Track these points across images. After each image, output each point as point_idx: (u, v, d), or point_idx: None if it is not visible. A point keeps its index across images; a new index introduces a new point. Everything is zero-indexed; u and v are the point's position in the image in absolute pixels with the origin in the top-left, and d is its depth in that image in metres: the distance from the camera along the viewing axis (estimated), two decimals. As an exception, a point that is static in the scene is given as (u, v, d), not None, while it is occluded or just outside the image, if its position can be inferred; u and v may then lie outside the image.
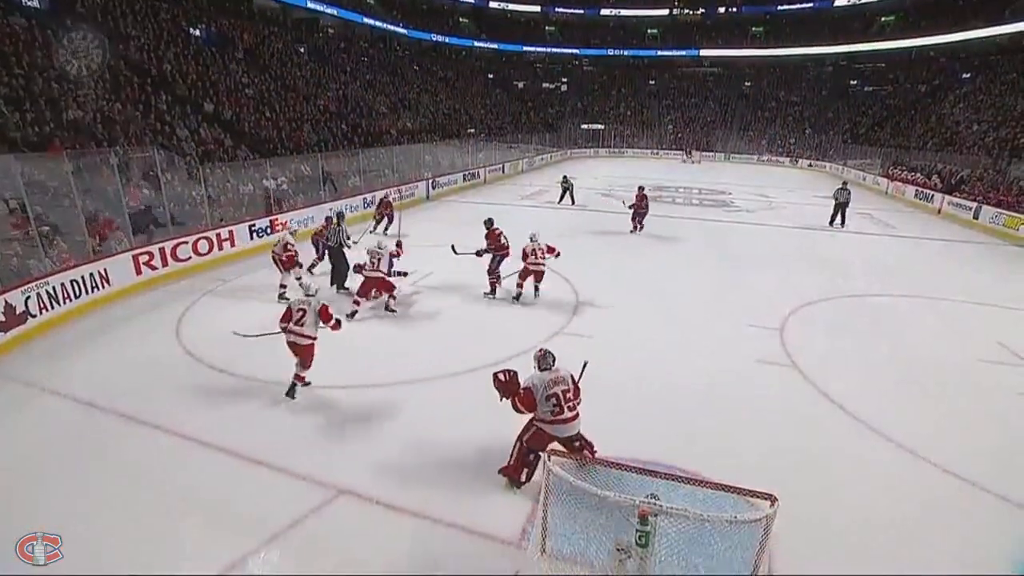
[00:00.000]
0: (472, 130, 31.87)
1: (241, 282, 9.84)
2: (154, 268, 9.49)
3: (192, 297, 8.90)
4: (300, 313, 5.77)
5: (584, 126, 44.69)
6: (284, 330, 5.83)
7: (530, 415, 4.27)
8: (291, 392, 5.79)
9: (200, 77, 17.86)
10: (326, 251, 9.94)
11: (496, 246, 8.95)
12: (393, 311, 8.35)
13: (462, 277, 9.84)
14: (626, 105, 47.74)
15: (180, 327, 7.67)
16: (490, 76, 46.98)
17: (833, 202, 16.15)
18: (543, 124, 42.96)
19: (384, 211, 14.16)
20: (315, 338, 5.84)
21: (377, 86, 29.30)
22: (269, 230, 12.11)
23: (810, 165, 37.27)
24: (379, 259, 8.12)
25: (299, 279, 8.91)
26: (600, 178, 27.83)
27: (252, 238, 11.71)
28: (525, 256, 8.52)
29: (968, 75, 34.45)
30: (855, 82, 44.13)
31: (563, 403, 4.15)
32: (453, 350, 7.04)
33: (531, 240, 8.62)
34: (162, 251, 9.67)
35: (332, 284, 9.49)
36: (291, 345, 5.80)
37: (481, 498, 4.33)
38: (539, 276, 8.65)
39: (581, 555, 3.41)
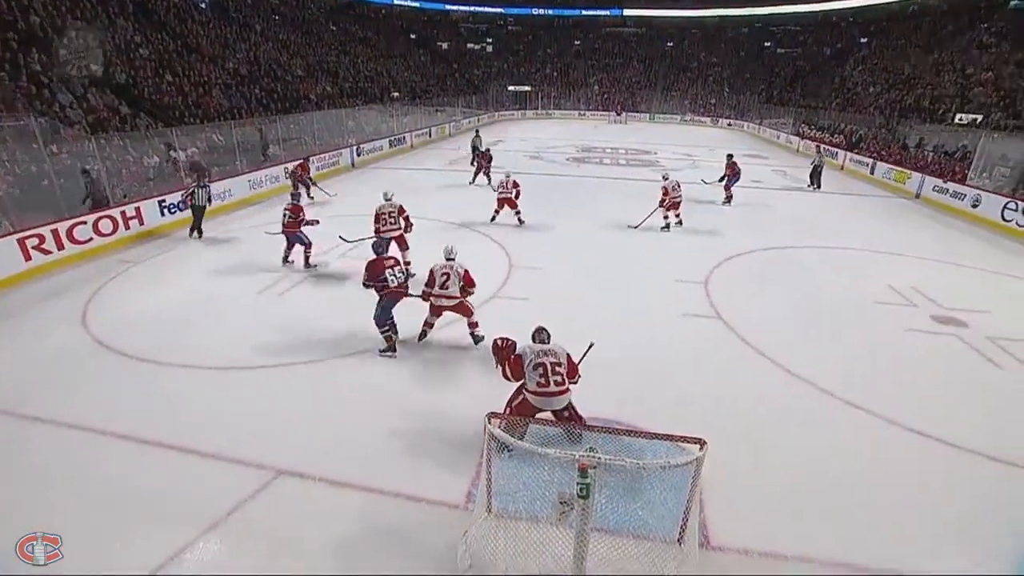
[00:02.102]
0: (396, 94, 30.66)
1: (155, 263, 9.11)
2: (47, 252, 8.56)
3: (98, 282, 8.15)
4: (444, 277, 6.02)
5: (511, 88, 44.07)
6: (427, 295, 6.12)
7: (519, 383, 4.34)
8: (424, 334, 6.35)
9: (81, 34, 15.85)
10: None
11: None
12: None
13: (396, 249, 9.60)
14: (552, 66, 47.41)
15: (87, 316, 7.03)
16: (412, 36, 45.03)
17: (811, 167, 16.69)
18: (469, 86, 41.95)
19: (300, 178, 13.47)
20: (460, 297, 6.09)
21: (291, 47, 27.32)
22: (183, 205, 11.18)
23: (729, 124, 38.84)
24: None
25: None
26: (529, 140, 27.75)
27: (163, 214, 10.80)
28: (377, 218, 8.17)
29: (865, 40, 36.78)
30: (769, 44, 45.98)
31: (549, 375, 4.20)
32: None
33: (385, 200, 8.39)
34: (55, 233, 8.71)
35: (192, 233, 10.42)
36: (435, 308, 6.16)
37: (424, 467, 4.36)
38: (400, 242, 8.30)
39: (526, 511, 3.54)
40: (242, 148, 14.20)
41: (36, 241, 8.41)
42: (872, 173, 18.42)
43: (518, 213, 11.33)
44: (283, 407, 5.15)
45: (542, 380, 4.19)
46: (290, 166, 14.21)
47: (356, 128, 20.98)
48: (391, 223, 8.21)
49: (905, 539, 3.77)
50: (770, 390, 5.62)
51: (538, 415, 4.26)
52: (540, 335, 4.44)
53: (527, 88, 44.30)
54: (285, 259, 8.87)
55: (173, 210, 11.00)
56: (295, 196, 12.13)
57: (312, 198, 13.62)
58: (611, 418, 4.93)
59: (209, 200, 10.58)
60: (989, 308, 7.66)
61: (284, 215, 8.63)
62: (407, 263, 8.21)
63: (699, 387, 5.60)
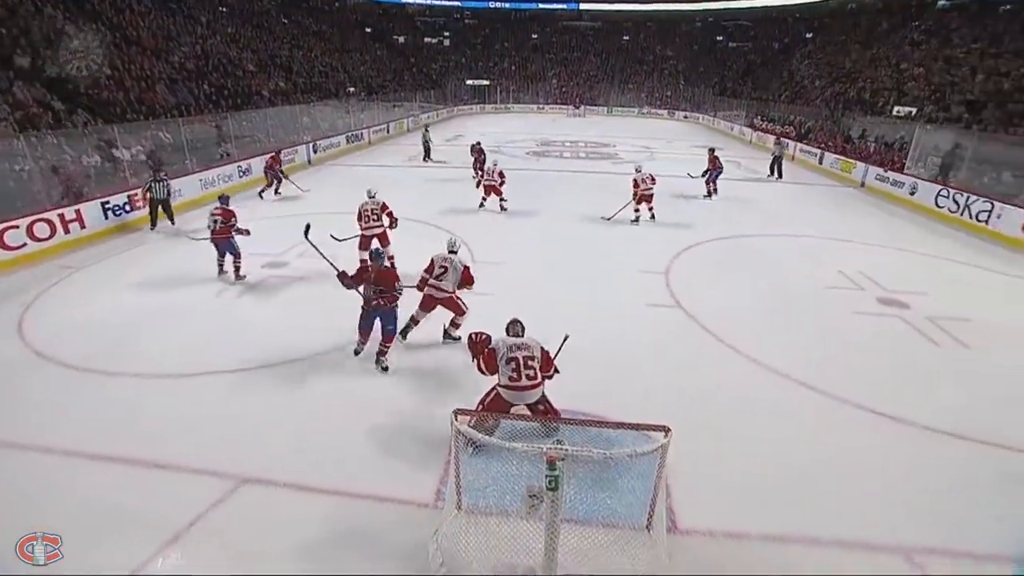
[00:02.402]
0: (352, 89, 29.97)
1: (100, 268, 8.65)
2: (-26, 260, 8.02)
3: (35, 289, 7.66)
4: (442, 269, 5.92)
5: (469, 82, 43.84)
6: (423, 283, 5.96)
7: (493, 376, 4.33)
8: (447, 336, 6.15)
9: (2, 22, 14.80)
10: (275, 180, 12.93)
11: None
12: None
13: (349, 248, 9.42)
14: (510, 60, 47.37)
15: (23, 325, 6.62)
16: (368, 30, 44.10)
17: (771, 156, 17.49)
18: (427, 81, 41.44)
19: (272, 168, 13.37)
20: (452, 292, 5.97)
21: (242, 41, 26.30)
22: (128, 207, 10.64)
23: (685, 117, 39.71)
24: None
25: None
26: (488, 134, 27.65)
27: (107, 217, 10.24)
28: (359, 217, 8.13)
29: (810, 35, 38.21)
30: (721, 38, 47.20)
31: (521, 369, 4.18)
32: (348, 321, 6.76)
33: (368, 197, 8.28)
34: (-16, 239, 8.17)
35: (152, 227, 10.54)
36: (427, 298, 5.95)
37: (391, 467, 4.30)
38: (382, 239, 8.23)
39: (496, 506, 3.54)
40: (191, 146, 13.62)
41: (-39, 248, 7.85)
42: (820, 163, 19.20)
43: (503, 200, 12.13)
44: (243, 413, 4.98)
45: (514, 375, 4.18)
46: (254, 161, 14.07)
47: (312, 124, 20.45)
48: (373, 220, 8.12)
49: (858, 510, 3.95)
50: (729, 375, 5.79)
51: (511, 410, 4.25)
52: (514, 327, 4.44)
53: (486, 82, 44.14)
54: (221, 269, 8.07)
55: (118, 212, 10.45)
56: (268, 189, 12.69)
57: (280, 193, 13.49)
58: (577, 409, 4.98)
59: (168, 193, 10.58)
60: (928, 290, 8.11)
61: (214, 220, 7.69)
62: (390, 257, 8.17)
63: (661, 375, 5.73)
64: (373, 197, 8.27)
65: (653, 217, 11.46)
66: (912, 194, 14.00)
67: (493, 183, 12.02)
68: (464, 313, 6.15)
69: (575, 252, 9.65)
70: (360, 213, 8.10)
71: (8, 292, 7.58)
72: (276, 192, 13.51)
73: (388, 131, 25.75)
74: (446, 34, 49.56)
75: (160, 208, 10.56)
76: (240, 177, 14.28)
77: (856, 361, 6.08)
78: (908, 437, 4.81)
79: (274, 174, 13.32)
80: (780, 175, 17.32)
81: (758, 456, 4.51)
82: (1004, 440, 4.73)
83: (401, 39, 47.00)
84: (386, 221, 8.24)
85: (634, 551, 3.27)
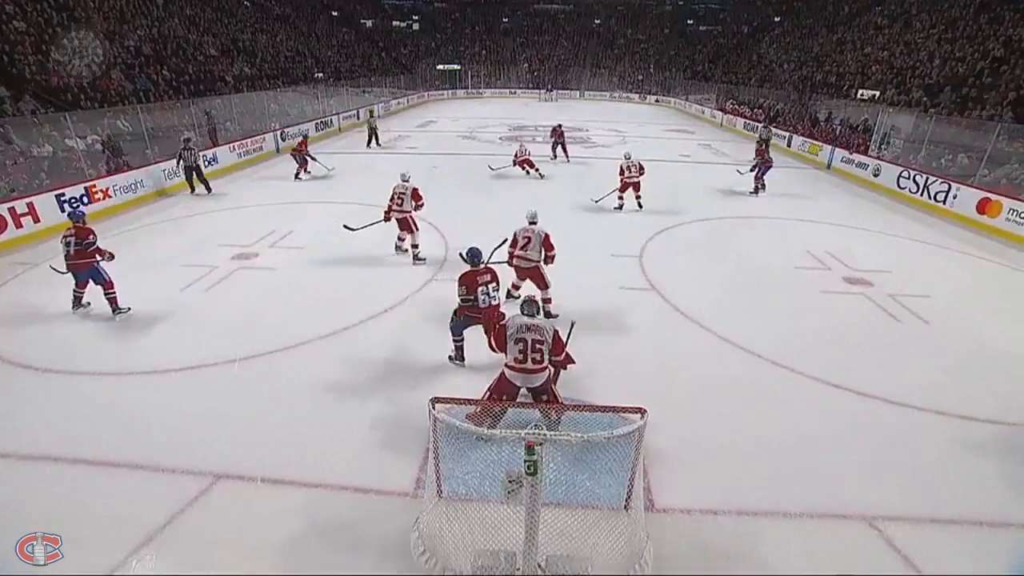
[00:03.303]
0: (320, 74, 29.23)
1: (57, 264, 8.26)
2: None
3: (-11, 288, 7.34)
4: (525, 240, 6.22)
5: (440, 67, 43.18)
6: (511, 257, 6.25)
7: (502, 355, 4.26)
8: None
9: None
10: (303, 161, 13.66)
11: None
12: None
13: (325, 235, 9.29)
14: (481, 44, 46.79)
15: (-22, 326, 6.33)
16: (334, 14, 42.90)
17: (758, 138, 17.80)
18: (397, 66, 40.66)
19: (301, 152, 13.81)
20: (539, 262, 6.25)
21: (202, 24, 25.28)
22: (87, 199, 10.22)
23: (657, 101, 39.91)
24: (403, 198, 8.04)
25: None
26: (460, 120, 27.38)
27: (63, 210, 9.78)
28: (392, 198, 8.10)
29: (778, 19, 38.67)
30: (691, 22, 47.44)
31: (528, 351, 4.09)
32: (323, 311, 6.68)
33: (402, 180, 8.24)
34: (-71, 236, 7.75)
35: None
36: (517, 269, 6.38)
37: (369, 458, 4.29)
38: (403, 224, 8.25)
39: (476, 492, 3.57)
40: (153, 135, 13.10)
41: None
42: (789, 145, 19.55)
43: (537, 169, 14.07)
44: (215, 409, 4.87)
45: (520, 356, 4.10)
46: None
47: (279, 111, 19.90)
48: (400, 204, 8.07)
49: (825, 481, 4.10)
50: (702, 356, 5.91)
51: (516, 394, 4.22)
52: (529, 307, 4.29)
53: (456, 67, 43.55)
54: (77, 303, 6.51)
55: (75, 204, 10.02)
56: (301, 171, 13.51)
57: (309, 172, 13.89)
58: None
59: (197, 160, 11.97)
60: (891, 268, 8.39)
61: (66, 243, 6.22)
62: (415, 246, 8.25)
63: (637, 358, 5.81)
64: (407, 180, 8.21)
65: (640, 206, 11.25)
66: (876, 176, 14.40)
67: (525, 157, 14.08)
68: (549, 286, 6.46)
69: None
70: (392, 195, 8.10)
71: (-41, 291, 7.24)
72: (306, 171, 13.93)
73: (358, 117, 25.22)
74: (415, 18, 48.62)
75: (195, 175, 12.01)
76: (207, 166, 13.80)
77: (823, 338, 6.26)
78: (872, 410, 5.00)
79: (302, 157, 13.75)
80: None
81: (731, 434, 4.63)
82: (960, 410, 4.95)
83: (369, 23, 45.92)
84: (412, 205, 8.12)
85: (613, 531, 3.33)
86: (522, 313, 4.27)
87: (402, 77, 36.95)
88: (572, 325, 4.59)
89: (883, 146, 15.64)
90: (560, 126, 17.10)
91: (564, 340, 4.36)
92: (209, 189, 12.34)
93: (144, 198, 11.40)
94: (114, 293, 6.41)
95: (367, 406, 4.92)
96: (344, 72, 32.37)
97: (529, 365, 4.10)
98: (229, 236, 9.36)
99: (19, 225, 9.03)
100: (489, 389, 4.32)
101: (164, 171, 12.35)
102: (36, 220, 9.29)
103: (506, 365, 4.20)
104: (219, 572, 3.33)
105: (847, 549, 3.57)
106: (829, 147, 17.08)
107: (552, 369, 4.30)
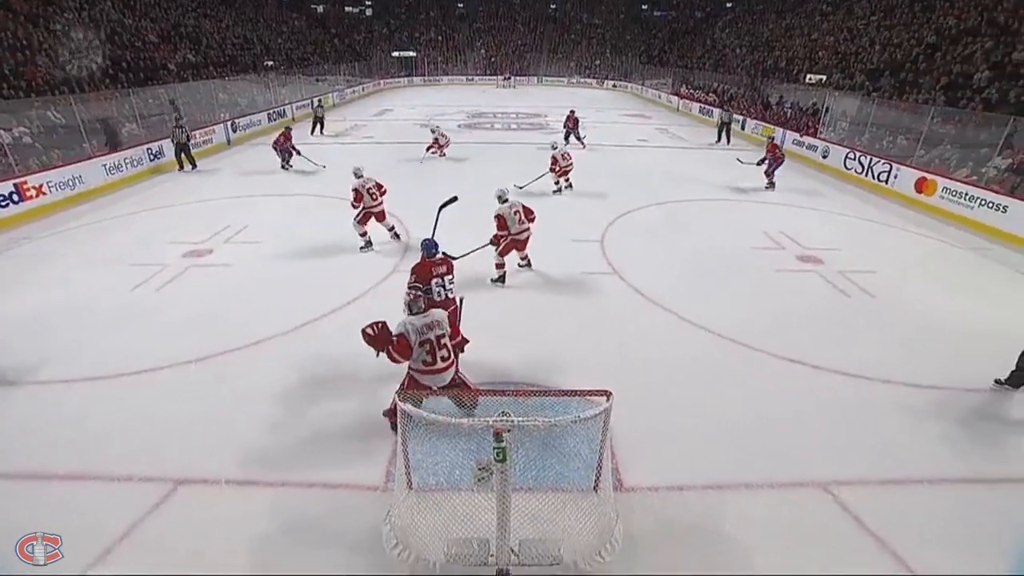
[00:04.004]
0: (271, 62, 28.16)
1: (-13, 268, 7.78)
2: None
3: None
4: (516, 215, 6.75)
5: (395, 54, 42.28)
6: (501, 239, 6.75)
7: (405, 362, 4.02)
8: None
9: None
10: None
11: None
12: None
13: (281, 229, 9.03)
14: (436, 30, 46.01)
15: (-97, 336, 5.88)
16: (282, -2, 41.27)
17: (719, 121, 18.40)
18: (351, 53, 39.55)
19: (282, 146, 13.12)
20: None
21: (139, 9, 23.90)
22: (16, 197, 9.59)
23: (614, 86, 40.22)
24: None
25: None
26: (417, 108, 26.95)
27: (-7, 210, 9.19)
28: (359, 197, 7.89)
29: (730, 4, 39.38)
30: (646, 7, 47.80)
31: (436, 351, 3.95)
32: (282, 307, 6.50)
33: (359, 177, 8.04)
34: None
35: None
36: (511, 245, 6.92)
37: (336, 454, 4.23)
38: (381, 216, 8.26)
39: (447, 481, 3.57)
40: (89, 128, 12.35)
41: None
42: (743, 129, 20.07)
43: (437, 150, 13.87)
44: (173, 413, 4.69)
45: (428, 358, 3.97)
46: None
47: (229, 101, 19.11)
48: (378, 197, 8.06)
49: (783, 453, 4.29)
50: (664, 337, 6.06)
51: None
52: (417, 304, 4.08)
53: (412, 53, 42.71)
54: None
55: (4, 203, 9.39)
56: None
57: (291, 166, 13.17)
58: (521, 380, 5.07)
59: (188, 138, 13.19)
60: (840, 246, 8.77)
61: None
62: (391, 227, 8.41)
63: (601, 342, 5.90)
64: (362, 176, 8.05)
65: (570, 186, 11.71)
66: (824, 157, 14.97)
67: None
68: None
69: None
70: (360, 193, 7.86)
71: None
72: (287, 164, 13.37)
73: (313, 107, 24.48)
74: (368, 3, 47.29)
75: (184, 152, 13.13)
76: (151, 160, 13.18)
77: (779, 316, 6.50)
78: (824, 382, 5.25)
79: (284, 150, 13.17)
80: (728, 140, 18.08)
81: (694, 412, 4.78)
82: (905, 378, 5.25)
83: (320, 8, 44.42)
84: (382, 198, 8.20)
85: (583, 512, 3.39)
86: (411, 312, 4.06)
87: (356, 65, 36.00)
88: (460, 301, 4.70)
89: (830, 128, 16.22)
90: (573, 112, 17.10)
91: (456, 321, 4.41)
92: (194, 165, 13.49)
93: (77, 197, 10.75)
94: None
95: (332, 402, 4.84)
96: (296, 60, 31.29)
97: (439, 365, 3.98)
98: (179, 232, 8.97)
99: (-57, 227, 8.41)
100: (401, 392, 3.98)
101: (105, 166, 11.70)
102: (-38, 221, 8.68)
103: (413, 370, 4.04)
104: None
105: (804, 515, 3.75)
106: (781, 130, 17.63)
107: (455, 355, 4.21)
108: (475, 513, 3.23)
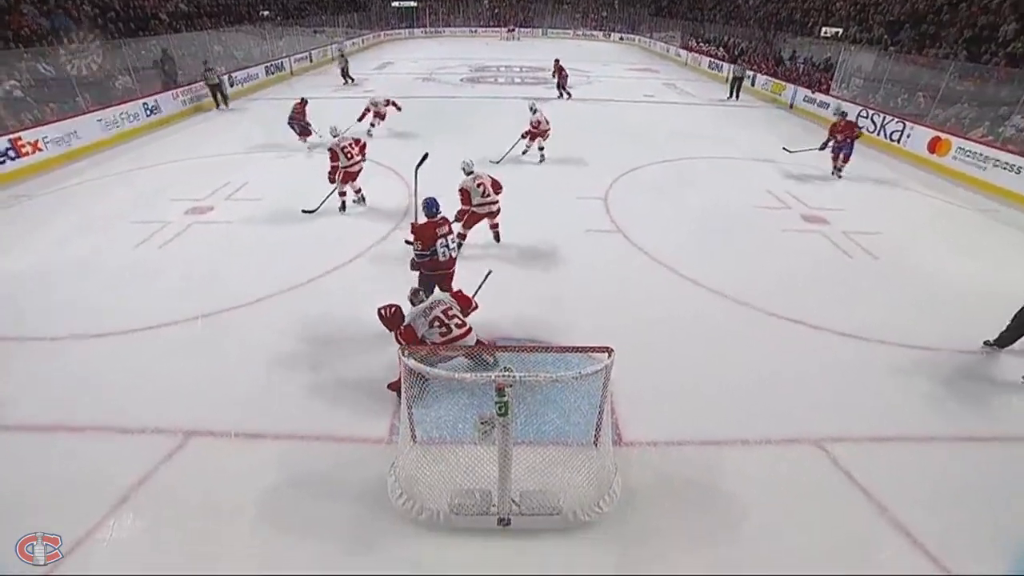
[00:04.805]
0: (267, 12, 27.15)
1: (-11, 224, 7.75)
2: None
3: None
4: (481, 187, 6.41)
5: (395, 3, 40.69)
6: (464, 213, 6.39)
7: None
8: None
9: None
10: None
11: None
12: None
13: (280, 186, 8.94)
14: (439, -22, 44.07)
15: (-90, 292, 5.93)
16: (277, -58, 39.43)
17: (731, 76, 18.15)
18: (350, 3, 38.06)
19: (296, 118, 11.30)
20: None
21: (125, -48, 22.89)
22: (13, 153, 9.45)
23: (621, 39, 38.87)
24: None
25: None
26: (419, 61, 26.18)
27: (-14, 167, 9.08)
28: (336, 156, 7.60)
29: (744, -49, 37.42)
30: (655, -46, 45.50)
31: (447, 320, 4.06)
32: (284, 264, 6.52)
33: (336, 136, 7.75)
34: None
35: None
36: (474, 215, 6.51)
37: (342, 407, 4.30)
38: (356, 175, 7.94)
39: (450, 435, 3.66)
40: (83, 81, 12.04)
41: None
42: (752, 85, 19.48)
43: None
44: (179, 368, 4.77)
45: (443, 330, 4.07)
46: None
47: (225, 54, 18.51)
48: (355, 156, 7.73)
49: (780, 411, 4.36)
50: (667, 295, 6.06)
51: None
52: (417, 296, 4.35)
53: (413, 4, 41.09)
54: None
55: (1, 159, 9.27)
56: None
57: (306, 140, 11.38)
58: (524, 336, 5.11)
59: (219, 79, 14.66)
60: (845, 207, 8.65)
61: None
62: (357, 190, 8.11)
63: (603, 298, 5.91)
64: (341, 134, 7.78)
65: (543, 159, 10.57)
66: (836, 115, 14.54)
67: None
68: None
69: (514, 179, 9.46)
70: (336, 152, 7.56)
71: None
72: (302, 139, 11.40)
73: (311, 59, 23.81)
74: (366, -52, 45.14)
75: (218, 92, 14.63)
76: (148, 116, 12.93)
77: (782, 275, 6.48)
78: (823, 342, 5.28)
79: (301, 124, 11.31)
80: (737, 96, 17.72)
81: (695, 370, 4.83)
82: (904, 339, 5.27)
83: (315, -47, 42.41)
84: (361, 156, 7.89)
85: (583, 465, 3.49)
86: (414, 306, 4.27)
87: (356, 16, 34.73)
88: (488, 274, 4.76)
89: (843, 85, 15.73)
90: (558, 60, 17.20)
91: (475, 291, 4.51)
92: (228, 104, 15.04)
93: (73, 153, 10.60)
94: None
95: (335, 358, 4.90)
96: (292, 10, 30.15)
97: (456, 332, 4.09)
98: (180, 189, 8.89)
99: (-59, 183, 8.33)
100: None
101: (100, 121, 11.48)
102: (-40, 177, 8.59)
103: (434, 344, 4.11)
104: (194, 525, 3.36)
105: (799, 470, 3.84)
106: (792, 87, 17.11)
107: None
108: (477, 465, 3.32)
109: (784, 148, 11.04)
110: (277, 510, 3.46)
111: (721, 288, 6.10)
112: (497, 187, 6.63)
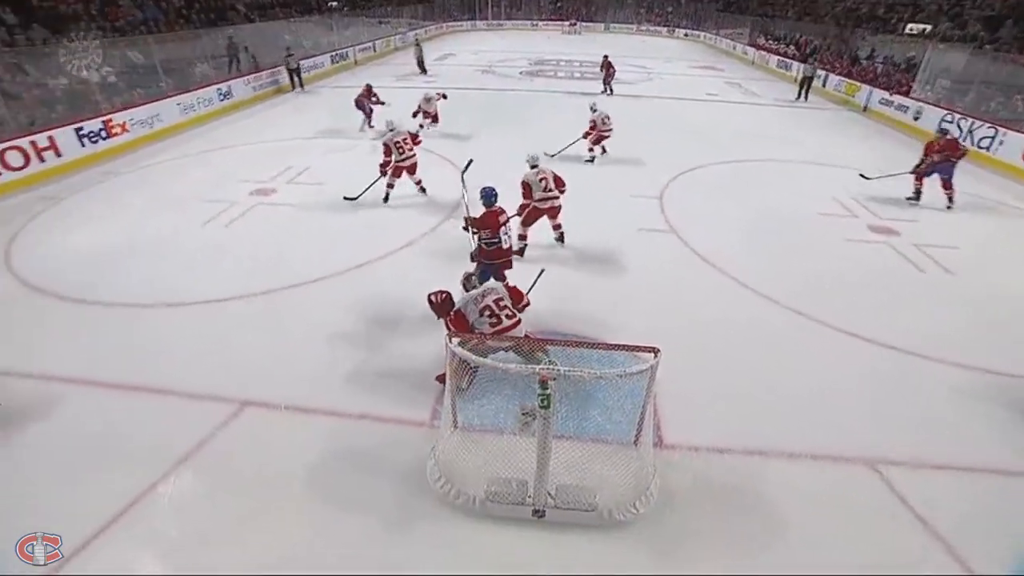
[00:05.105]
0: (335, 3, 28.01)
1: (82, 198, 8.40)
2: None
3: (18, 221, 7.51)
4: (543, 182, 6.34)
5: (459, -5, 41.06)
6: (524, 208, 6.34)
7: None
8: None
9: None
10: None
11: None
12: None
13: (340, 171, 9.23)
14: (503, -29, 44.11)
15: (10, 259, 6.53)
16: (348, -65, 40.56)
17: (800, 76, 17.48)
18: (414, -6, 38.70)
19: (361, 104, 11.92)
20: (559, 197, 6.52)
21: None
22: (104, 133, 10.21)
23: (685, 35, 37.74)
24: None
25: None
26: (480, 53, 26.33)
27: (83, 144, 9.82)
28: (389, 151, 7.76)
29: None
30: (728, -54, 43.84)
31: (497, 311, 4.05)
32: (340, 247, 6.77)
33: (391, 131, 7.81)
34: (-46, 169, 7.84)
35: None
36: (534, 210, 6.43)
37: (388, 389, 4.43)
38: (412, 169, 8.06)
39: (491, 423, 3.71)
40: (166, 67, 12.86)
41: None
42: (824, 86, 18.48)
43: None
44: (240, 340, 5.05)
45: (493, 320, 4.05)
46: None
47: (293, 43, 19.24)
48: (408, 151, 7.86)
49: (833, 427, 4.17)
50: (719, 299, 5.89)
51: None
52: (470, 282, 4.38)
53: (476, -5, 41.35)
54: None
55: (95, 139, 10.03)
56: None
57: (373, 126, 12.00)
58: (570, 331, 5.10)
59: (298, 64, 16.34)
60: (918, 218, 8.12)
61: None
62: (418, 181, 8.24)
63: (653, 299, 5.81)
64: (396, 129, 7.87)
65: (604, 151, 10.46)
66: (916, 119, 13.63)
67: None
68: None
69: (568, 175, 9.45)
70: (390, 147, 7.73)
71: (-10, 223, 7.43)
72: (369, 126, 12.05)
73: (375, 49, 24.39)
74: (433, -60, 45.73)
75: (295, 76, 16.23)
76: (221, 100, 13.65)
77: (843, 287, 6.17)
78: (884, 358, 4.99)
79: (368, 107, 11.96)
80: (806, 98, 17.06)
81: (743, 377, 4.68)
82: (973, 361, 4.91)
83: (384, -54, 43.36)
84: (415, 151, 8.02)
85: (621, 464, 3.46)
86: (467, 291, 4.29)
87: (419, 7, 35.30)
88: (540, 272, 4.72)
89: (927, 86, 14.69)
90: (607, 56, 16.89)
91: (528, 288, 4.49)
92: (303, 86, 16.57)
93: (156, 134, 11.33)
94: None
95: (384, 339, 5.05)
96: (359, 1, 30.98)
97: (506, 323, 4.06)
98: (247, 171, 9.36)
99: (42, 159, 9.09)
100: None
101: (179, 105, 12.22)
102: (58, 154, 9.35)
103: (483, 335, 4.09)
104: (248, 489, 3.56)
105: (848, 489, 3.67)
106: (867, 88, 16.13)
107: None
108: (516, 455, 3.36)
109: (861, 175, 9.38)
110: (323, 483, 3.62)
111: (776, 294, 5.88)
112: (560, 183, 6.51)
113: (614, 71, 16.88)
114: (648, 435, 3.52)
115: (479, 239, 5.20)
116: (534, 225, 6.62)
